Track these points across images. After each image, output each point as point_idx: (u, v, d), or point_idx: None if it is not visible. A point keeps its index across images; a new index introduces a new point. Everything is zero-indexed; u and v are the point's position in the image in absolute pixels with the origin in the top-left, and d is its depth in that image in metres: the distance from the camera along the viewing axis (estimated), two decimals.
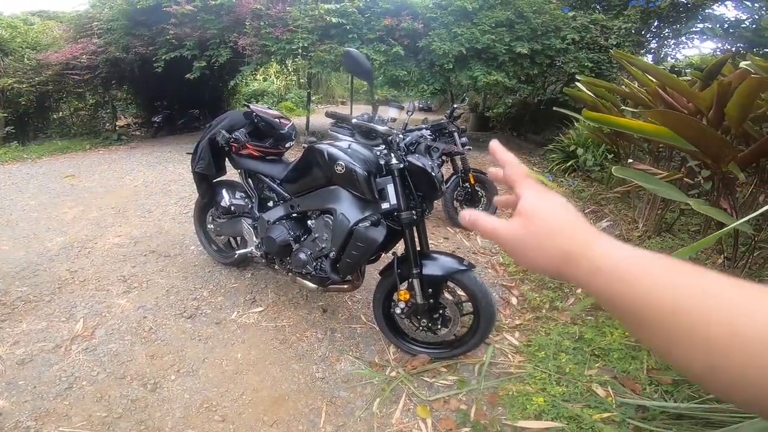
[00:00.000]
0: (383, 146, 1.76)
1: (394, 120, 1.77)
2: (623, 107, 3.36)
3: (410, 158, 1.69)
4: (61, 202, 4.00)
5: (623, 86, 3.52)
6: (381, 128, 1.65)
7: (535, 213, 0.35)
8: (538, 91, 6.88)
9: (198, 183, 2.49)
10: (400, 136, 1.75)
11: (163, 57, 6.04)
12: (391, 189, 1.69)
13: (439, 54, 5.36)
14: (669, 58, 6.55)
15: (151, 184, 4.62)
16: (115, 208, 3.82)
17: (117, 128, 7.96)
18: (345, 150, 1.75)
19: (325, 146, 1.80)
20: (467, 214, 0.42)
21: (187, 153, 2.57)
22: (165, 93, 7.84)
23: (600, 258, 0.32)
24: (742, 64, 1.99)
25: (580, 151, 4.73)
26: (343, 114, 1.77)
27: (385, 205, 1.70)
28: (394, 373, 1.87)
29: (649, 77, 2.80)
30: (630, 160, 3.03)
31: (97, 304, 2.30)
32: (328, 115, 1.82)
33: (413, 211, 1.70)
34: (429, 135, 1.98)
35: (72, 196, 4.17)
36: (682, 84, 2.14)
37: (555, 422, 1.57)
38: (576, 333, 2.11)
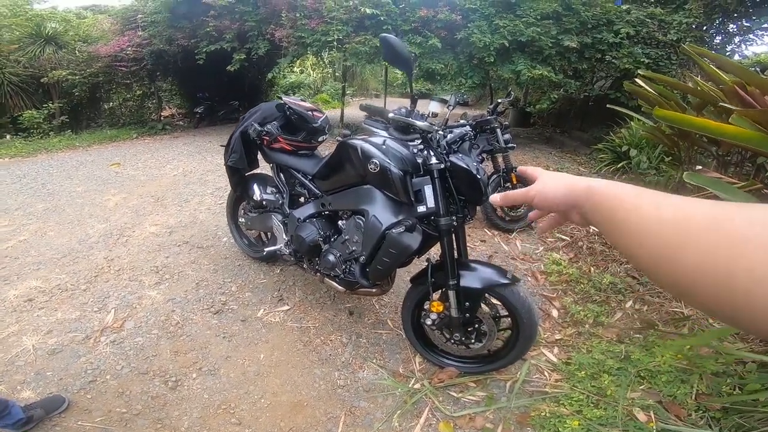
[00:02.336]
0: (420, 142, 1.62)
1: (435, 115, 1.60)
2: (687, 106, 3.03)
3: (453, 158, 1.54)
4: (106, 189, 4.17)
5: (689, 83, 3.17)
6: (421, 123, 1.51)
7: (548, 175, 0.52)
8: (586, 87, 6.46)
9: (230, 176, 2.47)
10: (441, 132, 1.60)
11: (205, 50, 6.17)
12: (428, 191, 1.55)
13: (480, 47, 5.11)
14: (736, 56, 5.94)
15: (190, 173, 4.73)
16: (154, 197, 3.93)
17: (162, 118, 8.29)
18: (380, 147, 1.63)
19: (358, 142, 1.68)
20: (497, 198, 0.59)
21: (221, 145, 2.56)
22: (206, 85, 8.06)
23: (595, 182, 0.44)
24: None
25: (633, 152, 4.36)
26: (379, 107, 1.65)
27: (421, 208, 1.56)
28: (418, 385, 1.77)
29: (717, 73, 2.50)
30: (699, 167, 2.72)
31: (129, 295, 2.34)
32: (363, 108, 1.71)
33: (453, 217, 1.56)
34: (470, 132, 1.82)
35: (116, 184, 4.35)
36: None
37: None
38: (622, 352, 1.91)
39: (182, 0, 6.01)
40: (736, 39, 5.96)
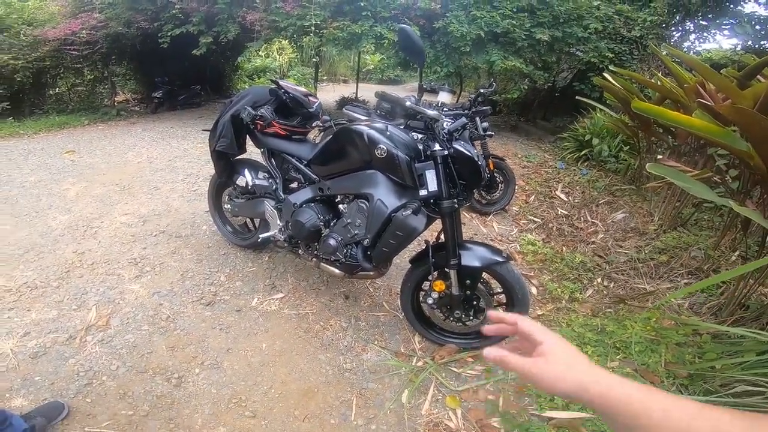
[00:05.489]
0: (404, 125, 1.68)
1: (444, 105, 1.68)
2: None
3: (457, 145, 1.62)
4: (63, 178, 3.86)
5: (655, 80, 3.43)
6: (431, 113, 1.57)
7: (556, 354, 0.47)
8: (550, 78, 6.76)
9: (216, 161, 2.39)
10: (443, 121, 1.67)
11: (170, 33, 5.80)
12: (431, 175, 1.62)
13: (457, 36, 5.18)
14: (691, 53, 6.43)
15: (156, 160, 4.48)
16: (119, 185, 3.70)
17: (116, 104, 7.72)
18: (384, 133, 1.67)
19: (364, 128, 1.71)
20: (492, 353, 0.49)
21: (204, 130, 2.46)
22: (166, 69, 7.57)
23: (607, 386, 0.42)
24: None
25: (595, 141, 4.65)
26: (396, 96, 1.68)
27: (423, 192, 1.63)
28: (420, 363, 1.85)
29: (680, 72, 2.75)
30: (659, 156, 2.97)
31: (108, 290, 2.22)
32: (378, 95, 1.73)
33: (455, 200, 1.64)
34: (468, 121, 1.90)
35: (73, 173, 4.03)
36: (727, 82, 2.06)
37: (582, 413, 1.57)
38: (598, 325, 2.10)
39: None
40: (692, 36, 6.43)
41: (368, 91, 8.37)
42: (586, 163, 4.84)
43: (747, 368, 1.60)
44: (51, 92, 7.56)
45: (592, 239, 3.12)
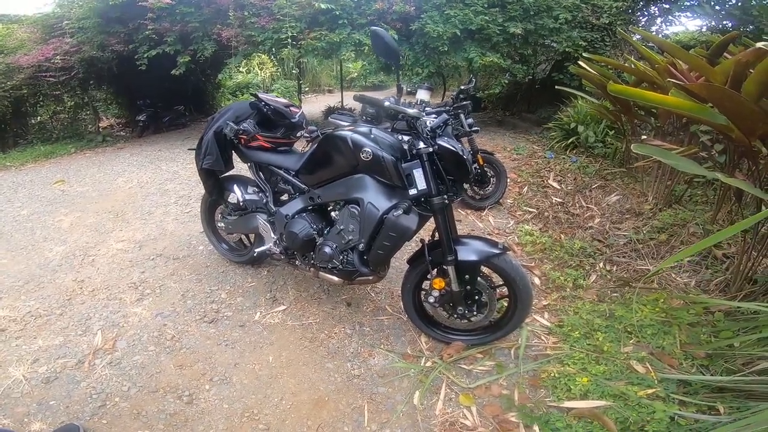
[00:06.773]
0: (390, 129, 1.69)
1: (424, 102, 1.69)
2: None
3: (440, 141, 1.63)
4: (55, 209, 3.83)
5: (628, 63, 3.49)
6: (411, 111, 1.58)
7: None
8: (530, 71, 6.85)
9: (204, 180, 2.38)
10: (426, 119, 1.67)
11: (145, 55, 5.77)
12: (419, 174, 1.62)
13: (434, 36, 5.23)
14: (660, 36, 6.57)
15: (147, 184, 4.46)
16: (112, 212, 3.68)
17: (100, 129, 7.69)
18: (368, 136, 1.68)
19: (347, 133, 1.72)
20: None
21: (189, 149, 2.46)
22: (147, 90, 7.55)
23: None
24: (760, 44, 1.97)
25: (580, 128, 4.71)
26: (375, 98, 1.69)
27: (413, 191, 1.63)
28: (429, 363, 1.85)
29: (651, 53, 2.81)
30: (644, 137, 3.02)
31: (112, 315, 2.21)
32: (357, 98, 1.74)
33: (444, 196, 1.65)
34: (449, 118, 1.91)
35: (65, 203, 4.00)
36: (698, 60, 2.11)
37: (602, 401, 1.56)
38: (606, 311, 2.11)
39: (114, 4, 5.56)
40: (658, 20, 6.57)
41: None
42: (574, 151, 4.89)
43: (767, 344, 1.59)
44: (33, 121, 7.52)
45: (589, 224, 3.15)
